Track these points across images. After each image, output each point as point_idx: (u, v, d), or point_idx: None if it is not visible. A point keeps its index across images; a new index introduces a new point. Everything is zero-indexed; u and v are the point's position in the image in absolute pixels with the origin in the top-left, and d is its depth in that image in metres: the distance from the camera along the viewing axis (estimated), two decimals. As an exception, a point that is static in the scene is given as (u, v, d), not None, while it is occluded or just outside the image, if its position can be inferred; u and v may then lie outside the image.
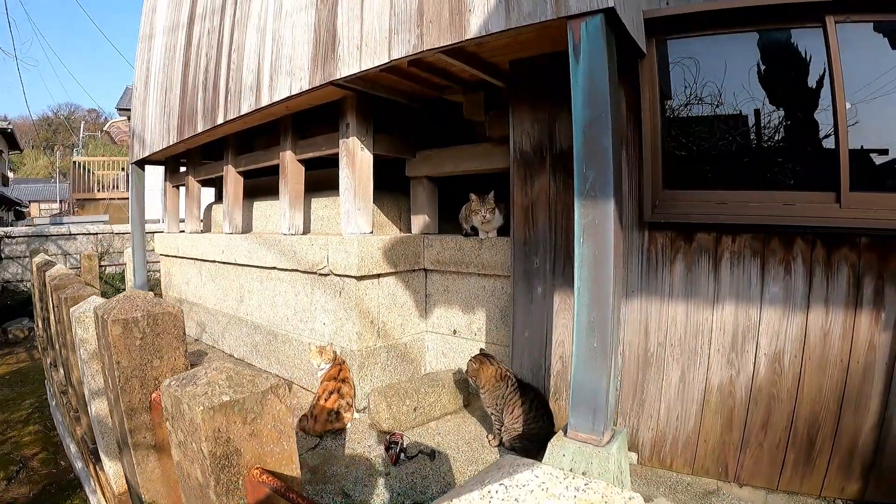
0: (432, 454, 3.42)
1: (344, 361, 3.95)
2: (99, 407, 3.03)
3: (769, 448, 3.00)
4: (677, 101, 3.25)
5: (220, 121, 5.06)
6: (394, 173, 4.88)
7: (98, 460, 3.38)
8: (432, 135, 5.02)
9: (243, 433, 1.45)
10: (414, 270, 4.62)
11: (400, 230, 5.06)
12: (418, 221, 4.86)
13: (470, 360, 3.59)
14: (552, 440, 2.83)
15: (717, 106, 3.15)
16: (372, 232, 4.46)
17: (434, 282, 4.68)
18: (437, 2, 3.10)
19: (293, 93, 4.10)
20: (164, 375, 2.21)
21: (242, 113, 4.70)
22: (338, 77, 3.72)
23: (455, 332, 4.53)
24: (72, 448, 5.01)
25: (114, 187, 22.59)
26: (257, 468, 1.47)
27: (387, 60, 3.37)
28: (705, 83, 3.15)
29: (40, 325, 6.53)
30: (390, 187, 5.02)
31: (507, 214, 3.95)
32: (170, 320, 2.20)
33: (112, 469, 3.06)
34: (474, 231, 4.33)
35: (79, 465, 4.75)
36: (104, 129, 28.16)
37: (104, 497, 3.56)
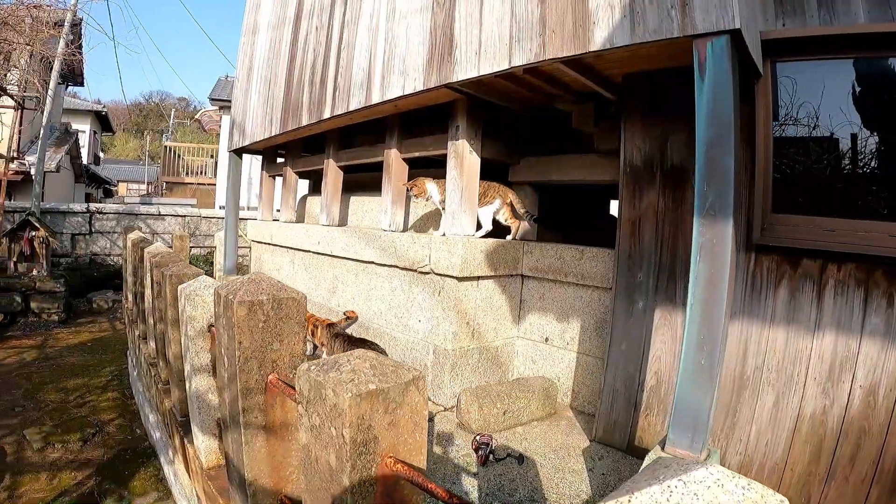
0: (521, 458, 3.42)
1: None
2: (199, 383, 3.14)
3: (854, 482, 2.91)
4: (787, 123, 3.19)
5: (326, 115, 5.16)
6: (494, 176, 4.87)
7: (187, 433, 3.49)
8: (535, 141, 5.03)
9: (383, 422, 1.48)
10: (511, 275, 4.62)
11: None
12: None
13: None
14: (650, 453, 2.81)
15: (826, 130, 3.09)
16: (475, 234, 4.49)
17: (530, 288, 4.67)
18: (560, 12, 3.11)
19: (406, 92, 4.16)
20: (282, 359, 2.28)
21: (351, 109, 4.78)
22: (454, 80, 3.76)
23: (547, 339, 4.51)
24: (150, 418, 5.17)
25: (201, 173, 23.41)
26: (390, 457, 1.51)
27: (507, 67, 3.39)
28: (816, 107, 3.08)
29: (130, 299, 6.77)
30: (490, 191, 5.04)
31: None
32: (293, 305, 2.27)
33: (204, 444, 3.17)
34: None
35: (156, 434, 4.90)
36: (195, 117, 29.23)
37: (187, 469, 3.68)
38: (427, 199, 4.78)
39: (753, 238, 3.17)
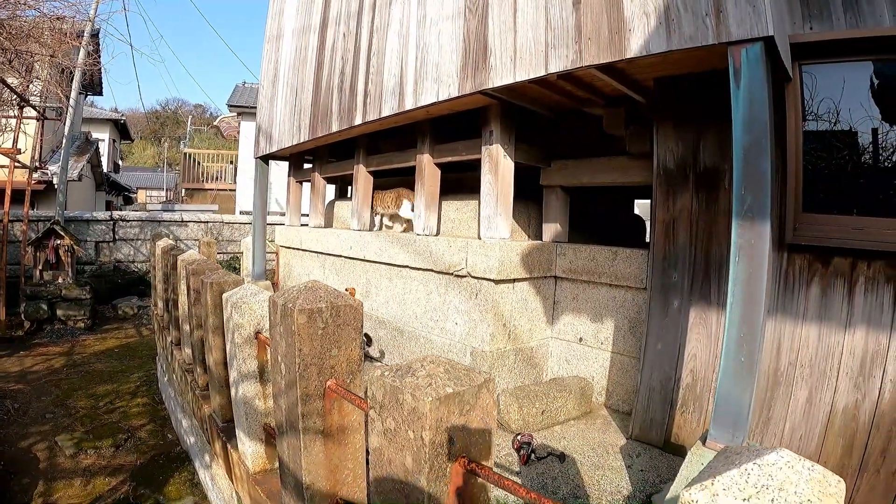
0: (562, 457, 3.48)
1: None
2: (246, 389, 3.20)
3: (885, 475, 2.96)
4: (814, 124, 3.23)
5: (357, 122, 5.23)
6: (524, 181, 4.94)
7: (230, 438, 3.55)
8: (566, 145, 5.08)
9: (458, 423, 1.55)
10: (545, 277, 4.68)
11: (528, 237, 5.14)
12: (550, 229, 4.91)
13: None
14: (692, 448, 2.86)
15: (851, 127, 3.15)
16: (511, 238, 4.55)
17: (564, 289, 4.73)
18: (595, 18, 3.17)
19: (440, 99, 4.22)
20: (340, 365, 2.34)
21: (383, 115, 4.85)
22: (489, 87, 3.82)
23: (581, 339, 4.58)
24: (183, 423, 5.23)
25: (220, 179, 23.56)
26: (463, 457, 1.57)
27: (543, 74, 3.45)
28: (840, 108, 3.14)
29: (160, 306, 6.82)
30: (519, 194, 5.07)
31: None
32: (351, 312, 2.33)
33: (251, 449, 3.23)
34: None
35: (191, 439, 4.95)
36: (214, 123, 29.41)
37: (228, 474, 3.74)
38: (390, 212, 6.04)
39: (786, 238, 3.23)
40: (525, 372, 4.59)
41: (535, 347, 4.69)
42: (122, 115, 27.68)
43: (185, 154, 24.03)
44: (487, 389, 1.59)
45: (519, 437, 3.52)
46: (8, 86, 8.69)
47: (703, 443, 2.85)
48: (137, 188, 32.50)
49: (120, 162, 31.73)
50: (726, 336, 2.73)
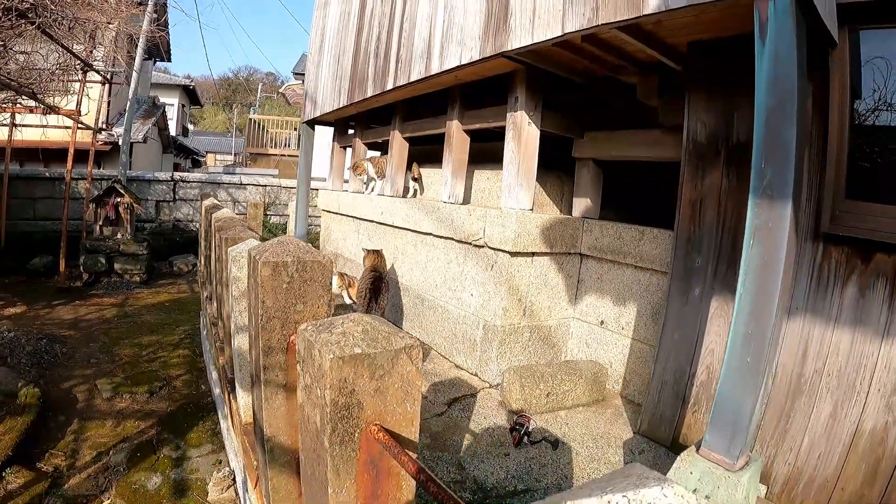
0: (556, 443, 3.33)
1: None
2: (241, 341, 3.18)
3: None
4: (866, 103, 2.89)
5: (389, 86, 5.21)
6: (558, 152, 4.78)
7: (233, 390, 3.56)
8: (598, 115, 4.86)
9: (368, 388, 1.46)
10: (569, 254, 4.50)
11: (560, 211, 4.98)
12: (580, 204, 4.72)
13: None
14: (683, 454, 2.64)
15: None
16: (532, 209, 4.40)
17: (589, 268, 4.53)
18: (612, -26, 2.95)
19: (463, 62, 4.11)
20: (304, 320, 2.26)
21: (412, 80, 4.80)
22: (509, 49, 3.67)
23: (602, 322, 4.38)
24: (213, 375, 5.33)
25: (285, 145, 24.11)
26: (376, 425, 1.48)
27: (560, 34, 3.26)
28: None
29: (202, 262, 7.02)
30: (554, 166, 4.93)
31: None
32: (318, 269, 2.25)
33: (243, 400, 3.23)
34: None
35: (216, 390, 5.04)
36: (280, 91, 30.00)
37: (232, 424, 3.77)
38: (364, 176, 6.69)
39: (822, 226, 2.91)
40: (541, 351, 4.45)
41: (554, 326, 4.52)
42: (192, 80, 28.65)
43: (250, 120, 24.68)
44: (408, 356, 1.49)
45: (515, 418, 3.40)
46: (71, 52, 8.92)
47: (697, 450, 2.64)
48: (207, 152, 33.61)
49: (190, 126, 32.82)
50: (732, 330, 2.50)
